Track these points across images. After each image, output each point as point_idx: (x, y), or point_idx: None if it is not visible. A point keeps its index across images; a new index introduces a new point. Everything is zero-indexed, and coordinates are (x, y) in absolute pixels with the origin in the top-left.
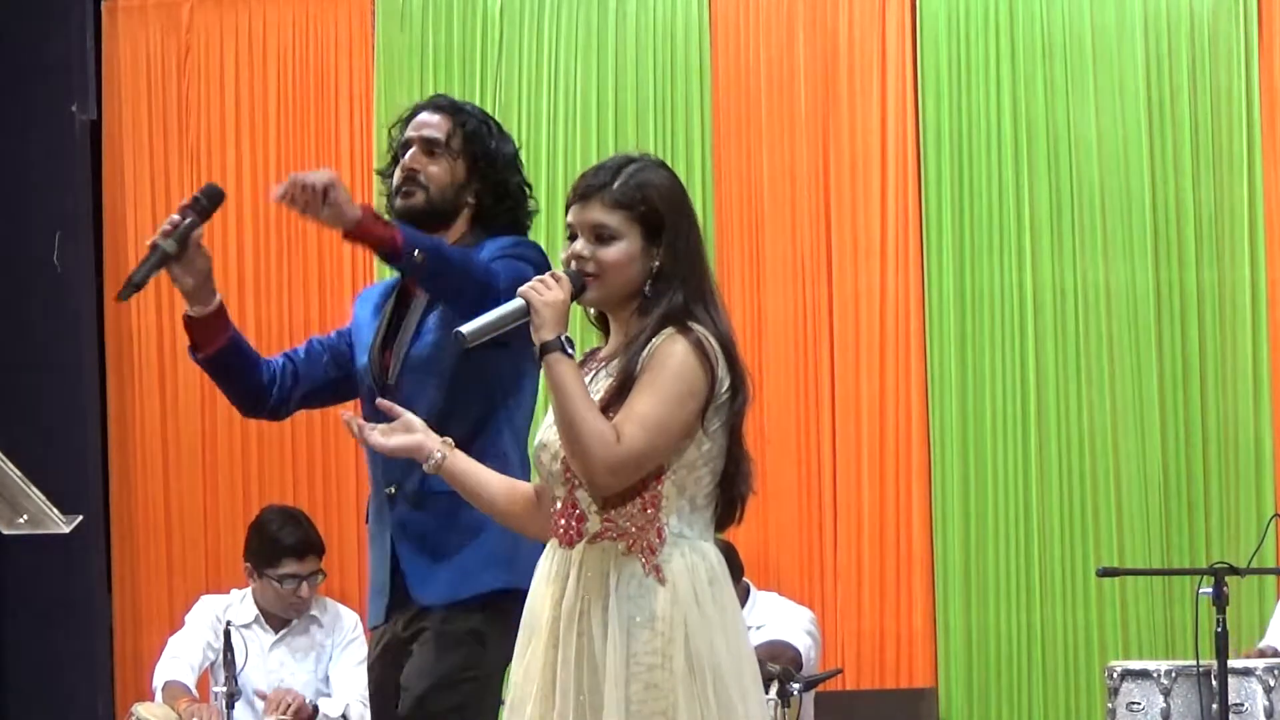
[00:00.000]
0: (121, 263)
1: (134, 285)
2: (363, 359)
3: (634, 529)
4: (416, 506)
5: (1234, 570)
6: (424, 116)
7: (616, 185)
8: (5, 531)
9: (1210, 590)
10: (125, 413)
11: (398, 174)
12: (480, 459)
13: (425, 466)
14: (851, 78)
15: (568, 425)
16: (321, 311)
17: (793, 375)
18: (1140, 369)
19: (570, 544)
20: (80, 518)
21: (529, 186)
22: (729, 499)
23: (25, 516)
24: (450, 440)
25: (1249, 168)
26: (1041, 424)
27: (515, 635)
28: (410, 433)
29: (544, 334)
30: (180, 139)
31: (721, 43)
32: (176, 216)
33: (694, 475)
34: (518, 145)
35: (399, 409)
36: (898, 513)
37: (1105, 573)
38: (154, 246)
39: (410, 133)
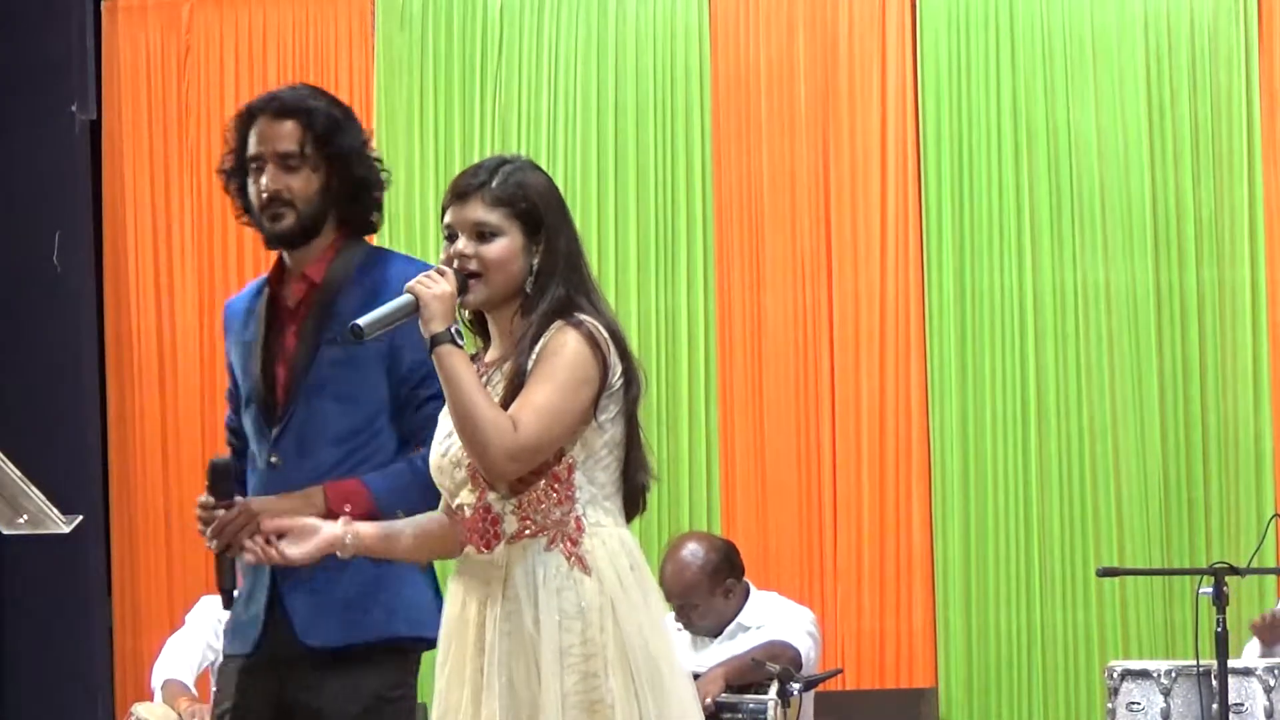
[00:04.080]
0: (121, 263)
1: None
2: (247, 383)
3: (551, 523)
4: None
5: (1234, 570)
6: (271, 127)
7: (495, 184)
8: (5, 531)
9: (1210, 590)
10: (125, 413)
11: (257, 194)
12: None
13: (341, 554)
14: (851, 78)
15: (463, 416)
16: None
17: (793, 375)
18: (1140, 369)
19: (489, 547)
20: (80, 518)
21: (380, 161)
22: (630, 490)
23: (25, 516)
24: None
25: (1249, 168)
26: (1041, 424)
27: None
28: (314, 534)
29: (434, 326)
30: (180, 139)
31: (721, 43)
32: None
33: (601, 464)
34: (517, 145)
35: (293, 521)
36: (898, 513)
37: (1105, 573)
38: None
39: (259, 148)
